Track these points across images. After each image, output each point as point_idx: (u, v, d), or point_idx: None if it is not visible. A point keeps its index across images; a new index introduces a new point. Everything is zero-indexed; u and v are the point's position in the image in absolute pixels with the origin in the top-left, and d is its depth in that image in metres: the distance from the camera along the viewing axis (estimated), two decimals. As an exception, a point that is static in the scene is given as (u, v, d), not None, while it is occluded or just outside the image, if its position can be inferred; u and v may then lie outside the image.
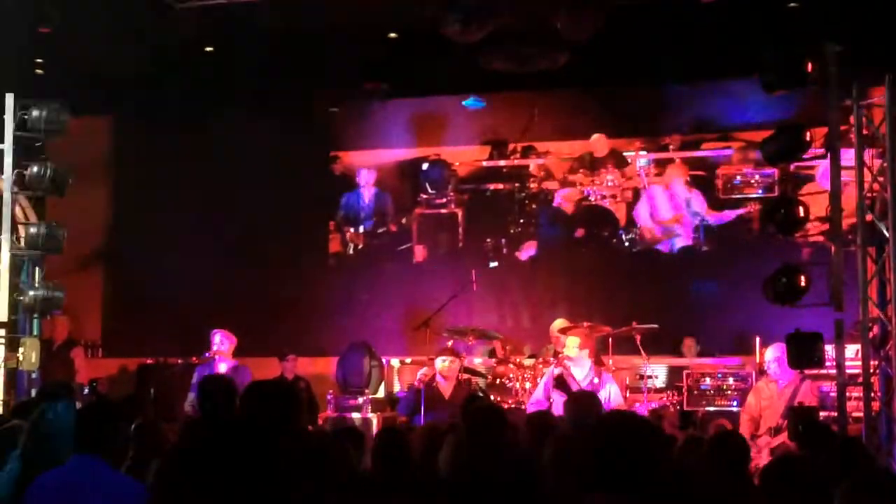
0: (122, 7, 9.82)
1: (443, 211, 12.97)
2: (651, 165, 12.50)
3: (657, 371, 10.68)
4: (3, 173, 9.50)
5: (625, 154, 12.62)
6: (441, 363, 9.65)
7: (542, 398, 9.27)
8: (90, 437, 4.30)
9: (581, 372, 9.31)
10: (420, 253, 12.99)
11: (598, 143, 12.53)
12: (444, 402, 9.37)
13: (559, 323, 10.41)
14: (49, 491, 4.21)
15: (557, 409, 8.80)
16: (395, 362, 11.75)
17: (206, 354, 10.48)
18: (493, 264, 12.53)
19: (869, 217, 8.36)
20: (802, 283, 8.07)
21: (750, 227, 11.94)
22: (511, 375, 10.37)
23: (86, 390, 10.03)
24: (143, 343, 12.43)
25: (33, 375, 9.60)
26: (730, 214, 12.01)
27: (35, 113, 9.36)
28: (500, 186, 12.93)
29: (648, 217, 12.28)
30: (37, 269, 9.81)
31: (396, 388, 11.64)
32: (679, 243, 12.21)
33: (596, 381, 9.24)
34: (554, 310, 11.24)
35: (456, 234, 12.94)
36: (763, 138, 8.71)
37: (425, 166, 12.97)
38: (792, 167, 11.10)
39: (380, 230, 13.09)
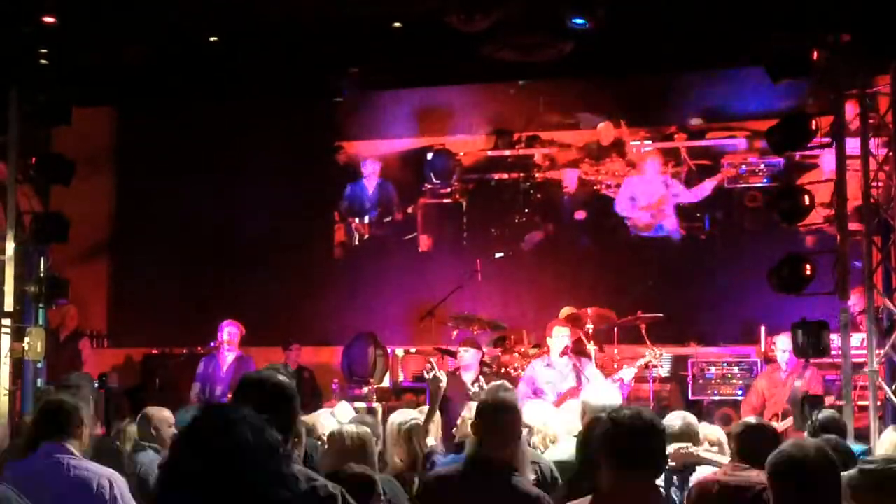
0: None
1: (447, 201, 12.97)
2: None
3: (662, 360, 10.68)
4: (8, 163, 9.50)
5: (630, 143, 12.60)
6: (463, 353, 9.66)
7: (528, 392, 9.28)
8: (57, 426, 4.58)
9: (559, 358, 9.36)
10: (425, 243, 12.99)
11: (605, 132, 12.51)
12: (467, 392, 9.33)
13: (566, 311, 10.42)
14: (20, 475, 4.35)
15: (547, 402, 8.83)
16: (399, 352, 11.75)
17: (212, 344, 10.51)
18: (499, 255, 12.52)
19: (874, 204, 8.35)
20: (808, 272, 8.07)
21: (755, 215, 11.93)
22: (515, 365, 10.39)
23: (96, 384, 10.02)
24: (148, 333, 12.47)
25: (39, 365, 9.62)
26: (707, 186, 11.96)
27: (39, 103, 9.36)
28: (505, 176, 12.92)
29: (632, 207, 12.23)
30: (42, 258, 9.82)
31: (401, 377, 11.65)
32: (668, 226, 12.16)
33: (577, 364, 9.33)
34: (558, 299, 11.23)
35: (460, 223, 12.94)
36: (769, 127, 8.69)
37: (430, 156, 12.96)
38: (797, 156, 11.07)
39: (385, 220, 13.08)
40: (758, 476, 4.61)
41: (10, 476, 4.33)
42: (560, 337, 9.42)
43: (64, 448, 4.53)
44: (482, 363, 9.80)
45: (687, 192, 12.08)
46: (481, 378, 9.32)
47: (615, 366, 9.88)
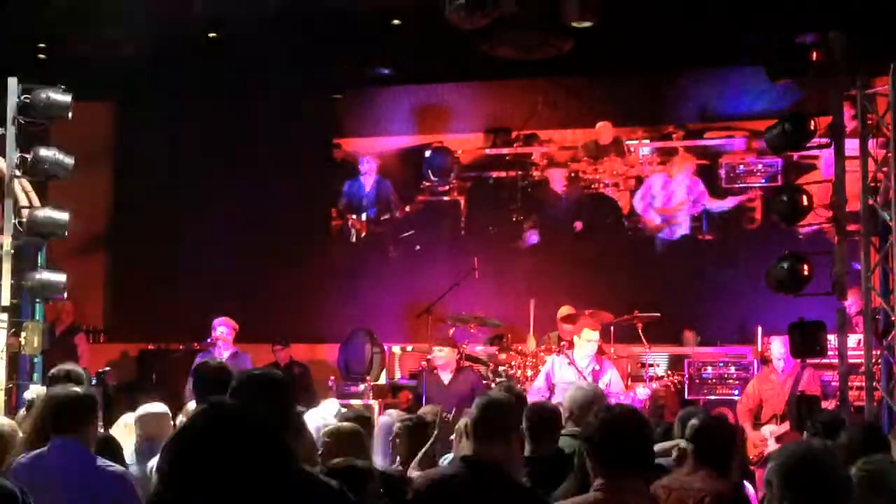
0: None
1: (445, 198, 12.97)
2: (654, 154, 12.50)
3: (658, 359, 10.68)
4: (5, 157, 9.48)
5: (628, 143, 12.60)
6: (437, 352, 9.65)
7: (544, 387, 9.25)
8: (69, 422, 4.44)
9: (584, 359, 9.28)
10: (422, 240, 12.98)
11: (604, 131, 12.51)
12: (443, 390, 9.35)
13: (565, 310, 10.40)
14: (29, 472, 4.28)
15: (558, 398, 8.79)
16: (396, 349, 11.75)
17: (208, 340, 10.49)
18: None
19: (872, 205, 8.36)
20: (805, 272, 8.07)
21: (752, 215, 11.95)
22: (513, 363, 10.38)
23: (94, 381, 9.98)
24: (144, 328, 12.46)
25: (35, 360, 9.60)
26: (731, 202, 12.01)
27: (38, 97, 9.33)
28: (503, 174, 12.93)
29: (648, 206, 12.26)
30: (39, 253, 9.80)
31: (398, 374, 11.65)
32: (679, 231, 12.21)
33: (597, 368, 9.21)
34: (556, 298, 11.23)
35: (458, 221, 12.95)
36: (767, 127, 8.69)
37: (428, 154, 12.96)
38: (795, 156, 11.08)
39: (382, 218, 13.08)
40: (703, 481, 4.62)
41: (21, 469, 4.25)
42: (589, 342, 9.20)
43: (77, 444, 4.38)
44: (460, 359, 9.77)
45: (714, 201, 12.09)
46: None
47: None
